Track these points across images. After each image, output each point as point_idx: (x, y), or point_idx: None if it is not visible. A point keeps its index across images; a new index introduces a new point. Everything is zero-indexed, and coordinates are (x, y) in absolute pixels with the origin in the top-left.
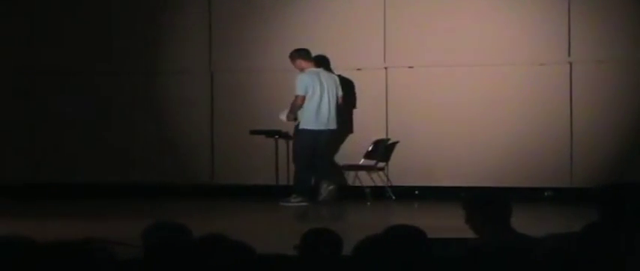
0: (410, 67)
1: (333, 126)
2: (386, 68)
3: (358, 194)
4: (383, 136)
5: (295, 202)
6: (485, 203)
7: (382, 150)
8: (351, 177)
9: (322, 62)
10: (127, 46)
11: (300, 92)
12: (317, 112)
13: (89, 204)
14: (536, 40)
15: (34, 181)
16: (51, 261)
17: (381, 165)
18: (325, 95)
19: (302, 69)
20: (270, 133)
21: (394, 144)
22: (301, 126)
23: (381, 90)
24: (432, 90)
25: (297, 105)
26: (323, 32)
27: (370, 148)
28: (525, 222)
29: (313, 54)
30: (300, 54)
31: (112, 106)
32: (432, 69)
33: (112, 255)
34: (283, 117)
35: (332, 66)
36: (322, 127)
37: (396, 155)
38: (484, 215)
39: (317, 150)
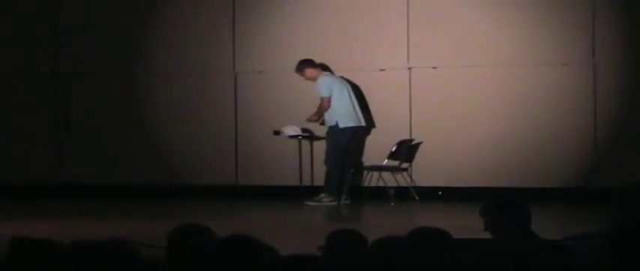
0: (433, 68)
1: (363, 122)
2: (409, 68)
3: (382, 194)
4: (406, 137)
5: (327, 201)
6: (501, 209)
7: (406, 150)
8: (374, 178)
9: (325, 67)
10: (151, 47)
11: (325, 94)
12: (353, 109)
13: (113, 206)
14: (561, 41)
15: (60, 181)
16: (76, 262)
17: (404, 165)
18: (352, 93)
19: (313, 78)
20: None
21: (418, 144)
22: (342, 125)
23: (404, 91)
24: (456, 91)
25: (324, 107)
26: (347, 33)
27: (394, 149)
28: (551, 223)
29: (337, 53)
30: (307, 64)
31: (135, 108)
32: (456, 69)
33: (137, 256)
34: (289, 131)
35: (356, 67)
36: (360, 124)
37: (419, 155)
38: (501, 222)
39: (350, 148)
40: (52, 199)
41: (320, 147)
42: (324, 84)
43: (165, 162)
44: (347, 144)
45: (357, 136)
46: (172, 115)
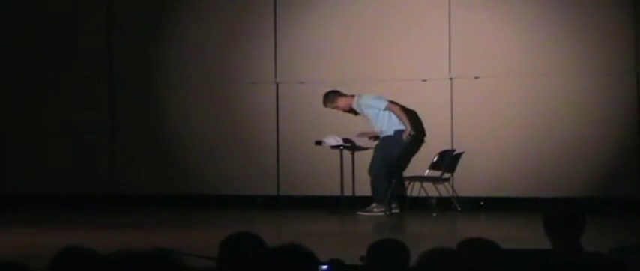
0: (475, 78)
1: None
2: (451, 79)
3: (424, 205)
4: (448, 147)
5: (377, 211)
6: (556, 218)
7: (447, 160)
8: (416, 188)
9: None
10: (192, 57)
11: (385, 101)
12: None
13: (156, 215)
14: (603, 50)
15: (105, 191)
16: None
17: (446, 175)
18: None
19: (347, 106)
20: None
21: (460, 154)
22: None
23: (446, 101)
24: (498, 101)
25: (400, 110)
26: (388, 44)
27: (435, 159)
28: (595, 235)
29: (378, 63)
30: (337, 94)
31: (176, 118)
32: (498, 79)
33: (180, 265)
34: (331, 141)
35: (398, 77)
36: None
37: (461, 166)
38: (554, 230)
39: (400, 157)
40: (97, 209)
41: (361, 157)
42: (375, 97)
43: (206, 172)
44: (397, 154)
45: (410, 145)
46: (213, 125)
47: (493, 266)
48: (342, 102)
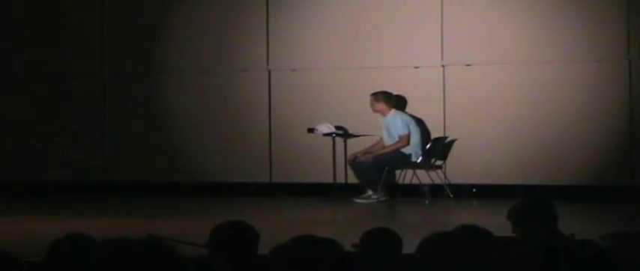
0: (467, 65)
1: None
2: (443, 66)
3: (416, 192)
4: (440, 134)
5: (375, 198)
6: (526, 210)
7: (440, 148)
8: (409, 176)
9: (399, 104)
10: (184, 46)
11: (404, 132)
12: (423, 146)
13: (147, 204)
14: (595, 38)
15: (98, 179)
16: (110, 258)
17: (438, 163)
18: (419, 129)
19: (379, 111)
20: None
21: (452, 142)
22: (414, 158)
23: (438, 88)
24: (490, 88)
25: (402, 145)
26: (381, 30)
27: (428, 146)
28: (585, 222)
29: (371, 51)
30: (383, 97)
31: (169, 106)
32: (490, 67)
33: (173, 253)
34: (324, 129)
35: (390, 64)
36: (419, 159)
37: (453, 153)
38: (527, 223)
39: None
40: (90, 197)
41: (354, 144)
42: (404, 122)
43: (199, 160)
44: (388, 167)
45: (403, 164)
46: (206, 113)
47: (485, 254)
48: (379, 105)
